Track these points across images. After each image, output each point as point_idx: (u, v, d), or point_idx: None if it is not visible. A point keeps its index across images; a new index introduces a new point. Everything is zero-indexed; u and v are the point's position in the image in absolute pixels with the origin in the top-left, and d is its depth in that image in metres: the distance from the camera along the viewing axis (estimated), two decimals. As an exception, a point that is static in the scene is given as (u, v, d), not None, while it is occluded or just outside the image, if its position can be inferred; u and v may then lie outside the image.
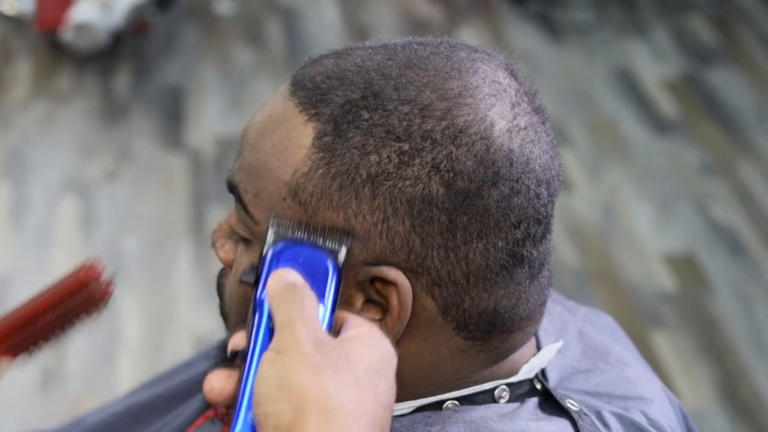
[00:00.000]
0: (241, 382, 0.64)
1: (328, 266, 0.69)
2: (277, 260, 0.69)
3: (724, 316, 2.37)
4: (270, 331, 0.65)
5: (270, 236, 0.70)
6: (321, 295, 0.67)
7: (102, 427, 1.02)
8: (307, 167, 0.70)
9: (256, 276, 0.70)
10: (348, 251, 0.69)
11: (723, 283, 2.45)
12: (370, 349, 0.64)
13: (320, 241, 0.70)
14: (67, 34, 2.91)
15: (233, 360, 0.67)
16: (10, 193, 2.57)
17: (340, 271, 0.69)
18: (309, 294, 0.66)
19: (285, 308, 0.64)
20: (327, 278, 0.68)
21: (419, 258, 0.70)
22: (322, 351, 0.62)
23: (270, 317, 0.65)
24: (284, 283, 0.66)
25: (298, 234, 0.70)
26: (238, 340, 0.68)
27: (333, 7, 3.34)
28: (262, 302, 0.67)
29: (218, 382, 0.66)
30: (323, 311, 0.67)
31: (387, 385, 0.64)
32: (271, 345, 0.63)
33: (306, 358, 0.61)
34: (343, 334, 0.66)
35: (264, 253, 0.70)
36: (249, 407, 0.62)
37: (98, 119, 2.82)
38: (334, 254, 0.69)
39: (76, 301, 0.86)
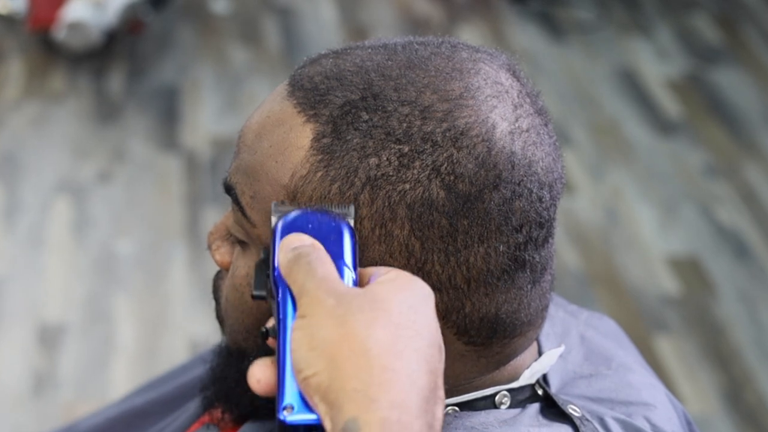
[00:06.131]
0: (278, 359, 0.64)
1: (339, 225, 0.68)
2: (287, 230, 0.68)
3: (729, 320, 2.38)
4: (294, 303, 0.64)
5: (274, 218, 0.70)
6: (339, 255, 0.66)
7: (95, 433, 1.01)
8: (306, 170, 0.70)
9: (267, 254, 0.69)
10: (356, 212, 0.69)
11: (727, 286, 2.46)
12: (398, 288, 0.63)
13: (327, 207, 0.69)
14: (60, 33, 2.91)
15: (265, 340, 0.67)
16: (3, 195, 2.57)
17: (353, 229, 0.68)
18: (319, 253, 0.65)
19: (298, 276, 0.64)
20: (341, 237, 0.67)
21: (419, 262, 0.69)
22: (344, 301, 0.62)
23: (290, 290, 0.65)
24: (292, 251, 0.65)
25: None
26: (269, 322, 0.67)
27: (331, 6, 3.35)
28: (279, 277, 0.66)
29: (262, 373, 0.64)
30: (345, 270, 0.66)
31: (426, 319, 0.62)
32: (297, 314, 0.63)
33: (329, 312, 0.61)
34: (369, 283, 0.65)
35: (272, 230, 0.69)
36: (293, 377, 0.62)
37: (92, 119, 2.83)
38: (342, 216, 0.69)
39: None
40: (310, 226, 0.68)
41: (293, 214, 0.69)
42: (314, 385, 0.60)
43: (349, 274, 0.66)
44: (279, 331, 0.64)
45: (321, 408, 0.59)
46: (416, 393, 0.59)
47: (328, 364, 0.59)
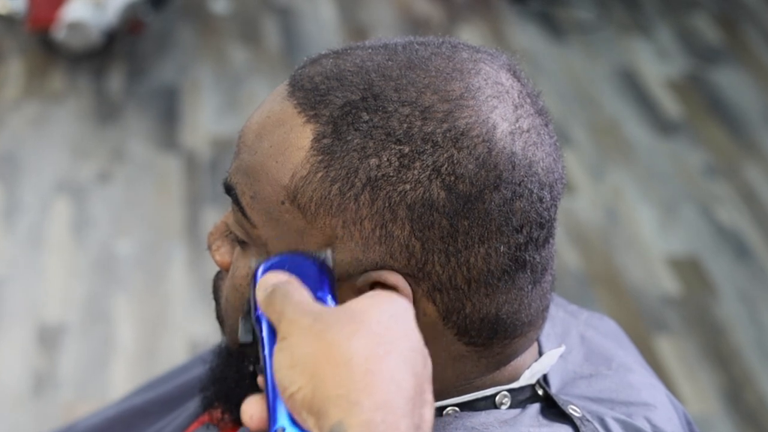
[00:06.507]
0: (267, 388, 0.64)
1: (315, 263, 0.69)
2: (264, 273, 0.70)
3: (729, 320, 2.37)
4: (274, 334, 0.65)
5: (253, 264, 0.72)
6: (317, 288, 0.67)
7: (94, 432, 1.01)
8: (306, 170, 0.70)
9: (249, 306, 0.70)
10: (333, 254, 0.69)
11: (728, 286, 2.45)
12: (376, 301, 0.63)
13: (304, 252, 0.70)
14: (59, 33, 2.90)
15: (255, 380, 0.68)
16: (2, 195, 2.57)
17: (330, 269, 0.69)
18: (294, 284, 0.66)
19: (276, 306, 0.65)
20: (320, 274, 0.68)
21: (420, 263, 0.69)
22: (321, 318, 0.62)
23: (270, 323, 0.66)
24: (270, 286, 0.66)
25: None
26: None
27: (330, 6, 3.35)
28: (260, 315, 0.67)
29: (254, 409, 0.65)
30: (328, 299, 0.67)
31: (407, 327, 0.63)
32: (277, 338, 0.64)
33: (306, 329, 0.62)
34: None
35: (253, 275, 0.71)
36: (281, 400, 0.62)
37: (91, 119, 2.83)
38: (319, 258, 0.70)
39: None
40: (286, 267, 0.69)
41: (271, 260, 0.70)
42: (299, 400, 0.60)
43: (330, 304, 0.67)
44: (265, 365, 0.65)
45: (309, 422, 0.59)
46: (400, 394, 0.59)
47: (310, 378, 0.60)
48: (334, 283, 0.69)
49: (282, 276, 0.67)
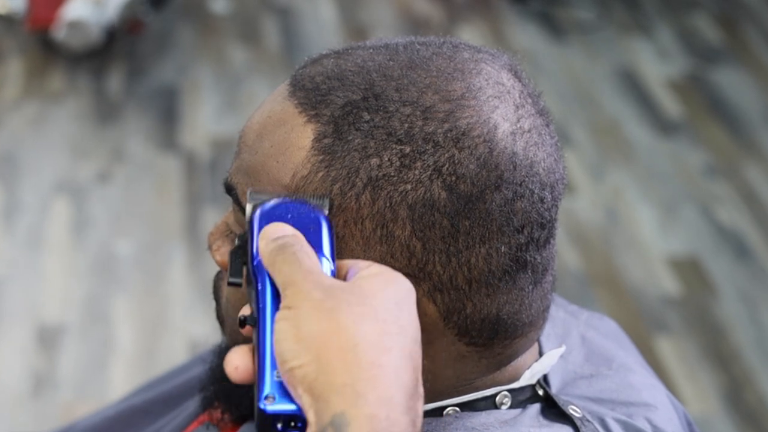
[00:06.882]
0: (258, 347, 0.63)
1: (318, 216, 0.68)
2: (266, 219, 0.68)
3: (729, 320, 2.37)
4: (276, 292, 0.64)
5: (249, 206, 0.70)
6: (318, 246, 0.66)
7: (94, 432, 1.01)
8: (307, 170, 0.69)
9: (244, 242, 0.69)
10: (330, 205, 0.69)
11: (728, 287, 2.45)
12: (384, 283, 0.63)
13: (304, 198, 0.69)
14: (59, 33, 2.90)
15: (242, 327, 0.66)
16: (2, 195, 2.57)
17: (330, 221, 0.68)
18: (304, 245, 0.65)
19: (283, 267, 0.63)
20: (320, 228, 0.67)
21: (420, 263, 0.69)
22: (332, 294, 0.61)
23: (271, 279, 0.64)
24: (276, 241, 0.65)
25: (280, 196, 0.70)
26: (245, 310, 0.67)
27: (330, 6, 3.35)
28: (259, 266, 0.65)
29: (240, 360, 0.64)
30: (324, 261, 0.66)
31: (410, 316, 0.63)
32: (281, 304, 0.62)
33: (317, 304, 0.61)
34: (353, 276, 0.65)
35: (249, 217, 0.69)
36: (273, 366, 0.62)
37: (91, 119, 2.83)
38: (319, 207, 0.69)
39: None
40: (289, 215, 0.68)
41: (272, 202, 0.69)
42: (299, 376, 0.59)
43: (328, 265, 0.66)
44: (259, 320, 0.64)
45: (305, 399, 0.59)
46: (402, 390, 0.59)
47: (315, 357, 0.59)
48: (333, 235, 0.68)
49: (288, 229, 0.66)
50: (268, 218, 0.68)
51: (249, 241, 0.68)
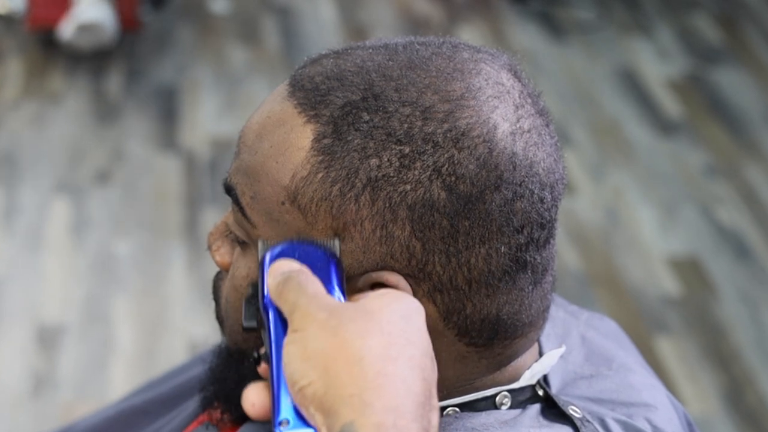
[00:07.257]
0: (271, 377, 0.64)
1: (325, 254, 0.69)
2: (274, 261, 0.69)
3: (730, 320, 2.37)
4: (283, 323, 0.65)
5: (261, 247, 0.71)
6: (327, 281, 0.68)
7: (93, 432, 1.02)
8: (307, 171, 0.69)
9: (256, 288, 0.70)
10: (340, 243, 0.69)
11: (728, 287, 2.45)
12: (389, 300, 0.64)
13: (312, 240, 0.70)
14: (65, 33, 2.89)
15: (257, 365, 0.69)
16: (1, 195, 2.56)
17: (338, 259, 0.69)
18: (308, 274, 0.66)
19: (289, 295, 0.65)
20: (329, 265, 0.68)
21: (420, 264, 0.69)
22: (336, 313, 0.63)
23: (279, 312, 0.66)
24: (281, 274, 0.67)
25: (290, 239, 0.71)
26: (262, 349, 0.69)
27: (330, 6, 3.35)
28: (268, 302, 0.67)
29: (256, 396, 0.65)
30: (335, 293, 0.67)
31: (418, 331, 0.63)
32: (289, 329, 0.64)
33: (322, 324, 0.62)
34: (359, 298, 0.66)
35: (260, 261, 0.70)
36: (287, 392, 0.62)
37: (90, 120, 2.82)
38: (327, 247, 0.70)
39: None
40: (296, 254, 0.69)
41: (280, 246, 0.70)
42: (309, 395, 0.60)
43: (339, 297, 0.67)
44: (271, 353, 0.65)
45: (317, 418, 0.60)
46: (411, 398, 0.59)
47: (322, 373, 0.60)
48: (342, 274, 0.69)
49: (294, 264, 0.67)
50: (276, 259, 0.69)
51: (260, 284, 0.69)
